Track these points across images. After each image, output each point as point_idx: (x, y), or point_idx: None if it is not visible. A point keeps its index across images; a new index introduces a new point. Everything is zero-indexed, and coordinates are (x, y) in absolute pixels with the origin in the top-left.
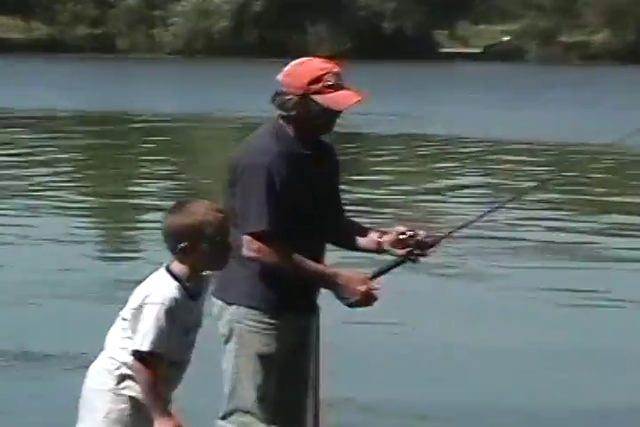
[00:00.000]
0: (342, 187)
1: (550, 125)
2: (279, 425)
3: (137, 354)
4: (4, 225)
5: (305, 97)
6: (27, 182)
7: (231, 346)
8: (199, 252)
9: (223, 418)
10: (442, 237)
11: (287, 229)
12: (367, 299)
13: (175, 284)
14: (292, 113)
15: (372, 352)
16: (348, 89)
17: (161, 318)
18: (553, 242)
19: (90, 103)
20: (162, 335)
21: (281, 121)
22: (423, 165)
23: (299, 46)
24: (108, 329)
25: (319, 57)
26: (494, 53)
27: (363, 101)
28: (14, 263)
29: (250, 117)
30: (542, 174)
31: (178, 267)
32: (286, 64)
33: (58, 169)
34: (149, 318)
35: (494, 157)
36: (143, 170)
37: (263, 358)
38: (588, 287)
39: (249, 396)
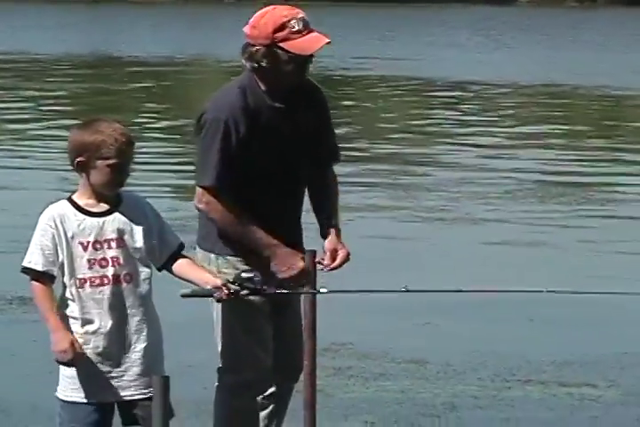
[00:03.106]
0: None
1: (539, 66)
2: (274, 369)
3: (26, 273)
4: None
5: (272, 46)
6: (13, 126)
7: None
8: (93, 168)
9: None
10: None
11: (244, 185)
12: (300, 275)
13: (61, 202)
14: (262, 64)
15: (368, 299)
16: (314, 32)
17: (37, 234)
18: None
19: (78, 47)
20: (39, 251)
21: (251, 74)
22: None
23: None
24: None
25: (284, 4)
26: None
27: (331, 43)
28: (10, 207)
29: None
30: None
31: (78, 189)
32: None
33: (45, 114)
34: (33, 237)
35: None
36: (129, 114)
37: (243, 306)
38: (585, 230)
39: (242, 343)
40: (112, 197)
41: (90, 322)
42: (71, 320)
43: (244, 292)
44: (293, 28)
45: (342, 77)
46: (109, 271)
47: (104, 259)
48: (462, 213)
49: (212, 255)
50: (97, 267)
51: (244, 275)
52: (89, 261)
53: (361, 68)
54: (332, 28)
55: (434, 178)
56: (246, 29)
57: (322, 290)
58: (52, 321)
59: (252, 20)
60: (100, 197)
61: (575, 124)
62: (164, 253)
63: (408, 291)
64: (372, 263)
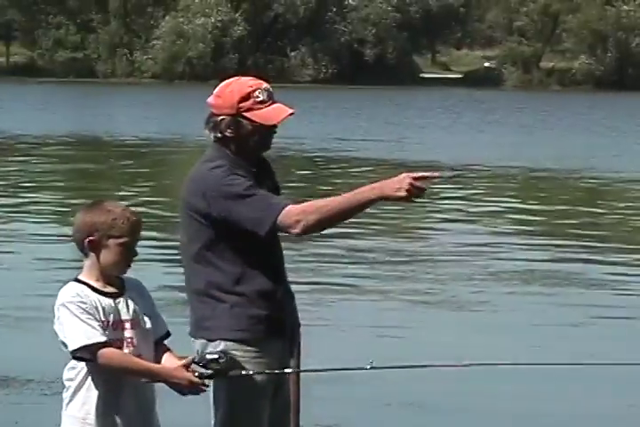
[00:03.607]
0: None
1: (521, 151)
2: None
3: (78, 353)
4: None
5: (237, 116)
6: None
7: (219, 381)
8: (105, 248)
9: None
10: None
11: (244, 248)
12: (414, 181)
13: (74, 283)
14: (226, 133)
15: (354, 381)
16: (278, 103)
17: (72, 313)
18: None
19: (67, 128)
20: (87, 327)
21: (217, 145)
22: None
23: (279, 71)
24: None
25: (253, 76)
26: (475, 79)
27: (294, 115)
28: None
29: None
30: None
31: (83, 271)
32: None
33: (34, 193)
34: (67, 319)
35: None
36: (118, 194)
37: (250, 388)
38: (569, 312)
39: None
40: (116, 279)
41: (110, 403)
42: (90, 399)
43: (209, 372)
44: (258, 97)
45: (321, 158)
46: (125, 351)
47: (120, 339)
48: (448, 296)
49: (218, 341)
50: (116, 349)
51: (208, 356)
52: (110, 340)
53: (341, 149)
54: (312, 109)
55: (415, 259)
56: (211, 99)
57: (287, 370)
58: (155, 367)
59: (216, 90)
60: (106, 279)
61: (551, 207)
62: (153, 338)
63: (373, 368)
64: (355, 345)
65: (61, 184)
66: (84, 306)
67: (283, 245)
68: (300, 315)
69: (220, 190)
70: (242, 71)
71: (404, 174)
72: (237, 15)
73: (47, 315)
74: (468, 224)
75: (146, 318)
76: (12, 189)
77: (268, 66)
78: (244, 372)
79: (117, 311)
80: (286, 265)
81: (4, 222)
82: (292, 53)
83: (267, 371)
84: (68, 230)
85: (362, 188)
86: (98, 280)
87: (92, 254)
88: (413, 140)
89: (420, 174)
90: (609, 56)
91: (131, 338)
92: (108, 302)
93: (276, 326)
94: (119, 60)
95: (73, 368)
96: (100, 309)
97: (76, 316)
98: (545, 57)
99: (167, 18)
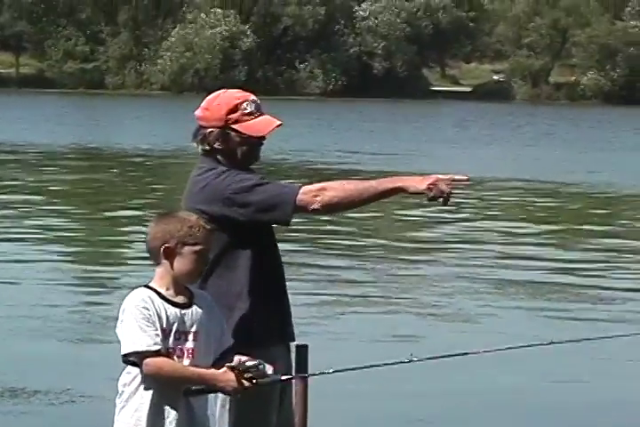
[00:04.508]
0: None
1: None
2: None
3: (129, 358)
4: None
5: (225, 128)
6: (11, 218)
7: None
8: (179, 255)
9: None
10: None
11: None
12: (442, 182)
13: (143, 289)
14: (215, 146)
15: (363, 388)
16: (266, 115)
17: (134, 318)
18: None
19: (75, 139)
20: (143, 334)
21: (208, 157)
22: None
23: (288, 83)
24: (92, 366)
25: (243, 89)
26: (484, 92)
27: (282, 126)
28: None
29: None
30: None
31: (154, 279)
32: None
33: (40, 206)
34: (127, 322)
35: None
36: (125, 206)
37: (260, 395)
38: (578, 327)
39: None
40: (186, 290)
41: (162, 412)
42: (143, 407)
43: (248, 375)
44: (245, 109)
45: (323, 170)
46: (185, 362)
47: (181, 349)
48: (455, 309)
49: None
50: (174, 357)
51: (248, 363)
52: (167, 349)
53: (344, 162)
54: (317, 122)
55: (424, 273)
56: (198, 112)
57: (329, 370)
58: (203, 372)
59: (204, 102)
60: (177, 289)
61: (557, 221)
62: (218, 350)
63: (412, 361)
64: (366, 353)
65: (66, 196)
66: (146, 312)
67: (287, 257)
68: (307, 328)
69: (235, 188)
70: (251, 83)
71: (433, 175)
72: (246, 27)
73: (55, 325)
74: (473, 237)
75: (212, 331)
76: (16, 201)
77: (277, 78)
78: (284, 377)
79: (182, 322)
80: (293, 277)
81: (12, 233)
82: (301, 66)
83: (312, 374)
84: (73, 242)
85: (386, 178)
86: (168, 289)
87: (166, 262)
88: (418, 152)
89: (449, 176)
90: (617, 71)
91: (192, 349)
92: (173, 310)
93: (284, 330)
94: (128, 71)
95: (129, 373)
96: (163, 316)
97: (136, 321)
98: (554, 71)
99: (176, 30)
